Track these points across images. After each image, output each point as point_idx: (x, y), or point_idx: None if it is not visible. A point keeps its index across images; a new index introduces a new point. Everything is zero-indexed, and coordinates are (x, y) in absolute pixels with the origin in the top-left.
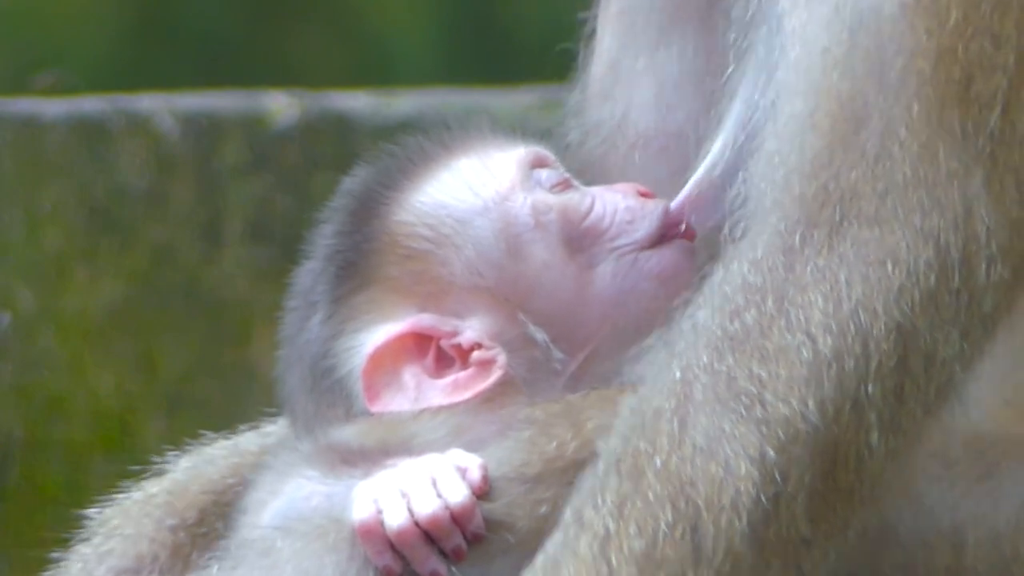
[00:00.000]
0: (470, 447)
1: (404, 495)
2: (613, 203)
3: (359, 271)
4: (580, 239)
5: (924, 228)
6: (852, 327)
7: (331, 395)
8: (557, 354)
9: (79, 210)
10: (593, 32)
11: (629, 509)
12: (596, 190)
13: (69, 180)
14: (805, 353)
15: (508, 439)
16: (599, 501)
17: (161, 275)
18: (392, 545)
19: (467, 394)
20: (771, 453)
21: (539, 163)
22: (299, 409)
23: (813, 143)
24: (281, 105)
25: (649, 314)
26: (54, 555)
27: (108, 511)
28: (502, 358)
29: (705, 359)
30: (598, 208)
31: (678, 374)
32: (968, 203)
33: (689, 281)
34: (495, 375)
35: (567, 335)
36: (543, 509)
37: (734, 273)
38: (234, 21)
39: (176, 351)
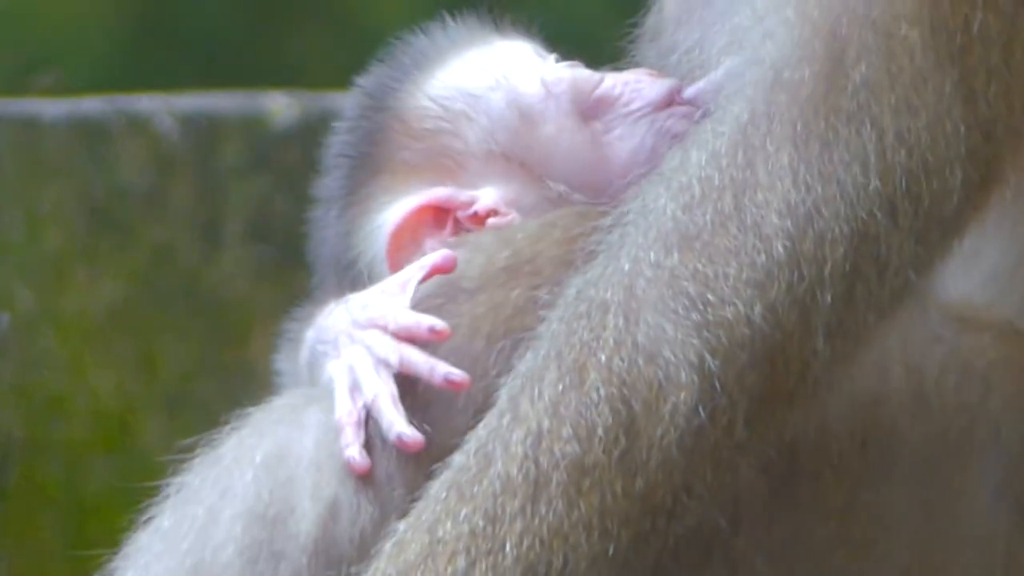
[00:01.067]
0: None
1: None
2: (623, 77)
3: (371, 160)
4: (593, 107)
5: (896, 129)
6: (809, 231)
7: (356, 289)
8: None
9: (79, 210)
10: None
11: (565, 409)
12: (607, 72)
13: (69, 180)
14: (758, 256)
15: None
16: (536, 394)
17: (161, 275)
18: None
19: None
20: (712, 360)
21: (543, 51)
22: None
23: (789, 34)
24: (281, 105)
25: None
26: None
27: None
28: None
29: (653, 253)
30: (608, 81)
31: (626, 265)
32: (941, 102)
33: None
34: None
35: (585, 199)
36: (480, 310)
37: (693, 163)
38: (234, 22)
39: (176, 351)
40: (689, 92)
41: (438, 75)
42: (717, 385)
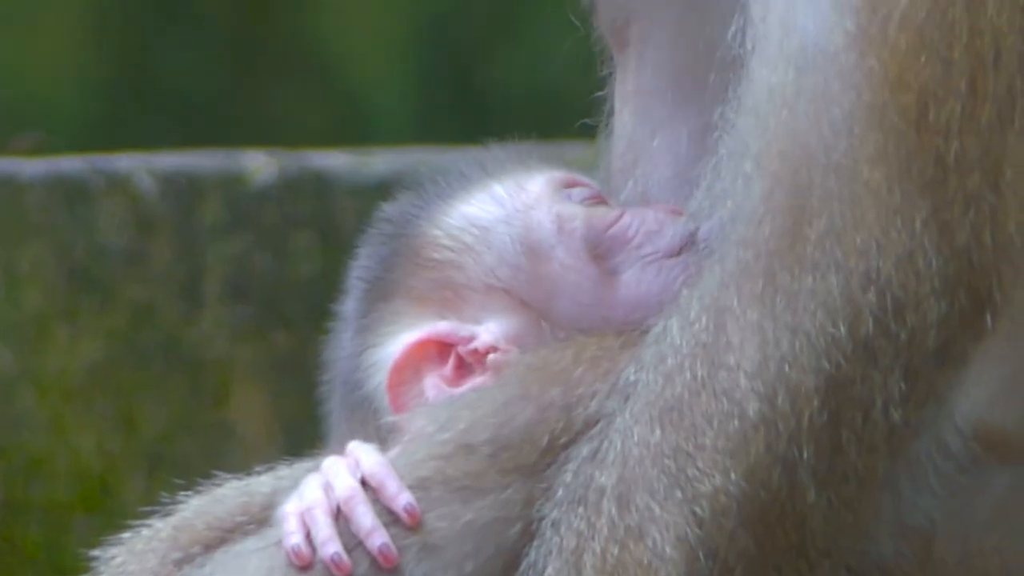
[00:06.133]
0: None
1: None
2: (642, 215)
3: (383, 285)
4: (605, 246)
5: (863, 271)
6: (780, 387)
7: (362, 411)
8: None
9: (58, 269)
10: (611, 109)
11: None
12: (628, 206)
13: (48, 239)
14: (731, 422)
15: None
16: None
17: (140, 334)
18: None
19: None
20: (698, 532)
21: (573, 183)
22: (336, 432)
23: (757, 188)
24: (259, 164)
25: None
26: None
27: (113, 549)
28: None
29: (639, 429)
30: (626, 219)
31: (619, 444)
32: (913, 238)
33: None
34: None
35: None
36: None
37: (672, 333)
38: (212, 81)
39: (156, 410)
40: (704, 231)
41: (456, 206)
42: (701, 556)
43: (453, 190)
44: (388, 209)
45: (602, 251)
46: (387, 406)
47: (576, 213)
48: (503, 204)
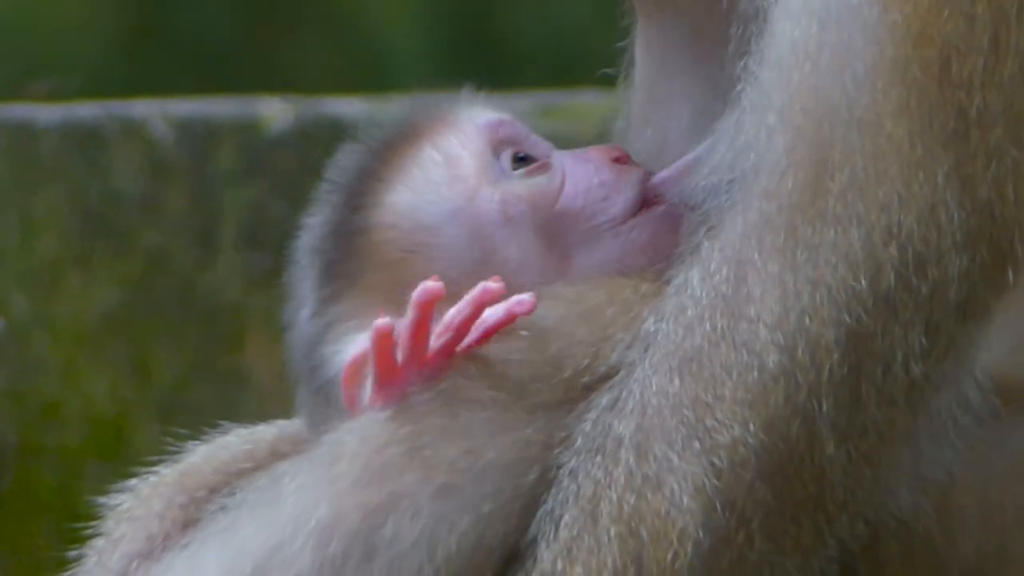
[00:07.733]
0: None
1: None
2: (585, 180)
3: (341, 275)
4: (554, 225)
5: (884, 225)
6: (800, 339)
7: (318, 394)
8: None
9: (73, 216)
10: (632, 59)
11: (578, 550)
12: (566, 165)
13: (63, 186)
14: (751, 373)
15: None
16: (552, 536)
17: (155, 281)
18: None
19: None
20: (716, 483)
21: (501, 142)
22: (301, 398)
23: (780, 141)
24: (275, 111)
25: None
26: (72, 554)
27: (121, 496)
28: None
29: (657, 379)
30: (569, 189)
31: (638, 394)
32: (935, 192)
33: (675, 246)
34: None
35: None
36: None
37: (693, 284)
38: (228, 27)
39: (170, 357)
40: (656, 180)
41: (400, 189)
42: (718, 507)
43: (392, 157)
44: (334, 175)
45: (553, 232)
46: (339, 398)
47: (519, 194)
48: (444, 196)
